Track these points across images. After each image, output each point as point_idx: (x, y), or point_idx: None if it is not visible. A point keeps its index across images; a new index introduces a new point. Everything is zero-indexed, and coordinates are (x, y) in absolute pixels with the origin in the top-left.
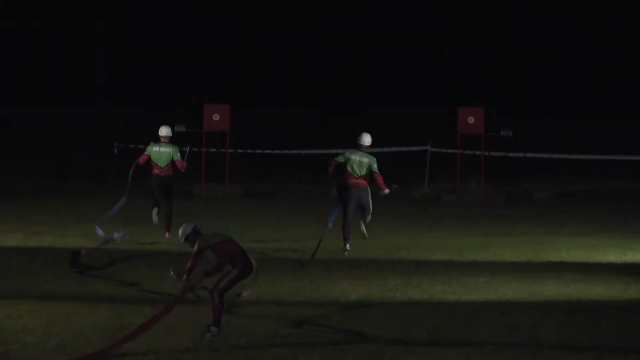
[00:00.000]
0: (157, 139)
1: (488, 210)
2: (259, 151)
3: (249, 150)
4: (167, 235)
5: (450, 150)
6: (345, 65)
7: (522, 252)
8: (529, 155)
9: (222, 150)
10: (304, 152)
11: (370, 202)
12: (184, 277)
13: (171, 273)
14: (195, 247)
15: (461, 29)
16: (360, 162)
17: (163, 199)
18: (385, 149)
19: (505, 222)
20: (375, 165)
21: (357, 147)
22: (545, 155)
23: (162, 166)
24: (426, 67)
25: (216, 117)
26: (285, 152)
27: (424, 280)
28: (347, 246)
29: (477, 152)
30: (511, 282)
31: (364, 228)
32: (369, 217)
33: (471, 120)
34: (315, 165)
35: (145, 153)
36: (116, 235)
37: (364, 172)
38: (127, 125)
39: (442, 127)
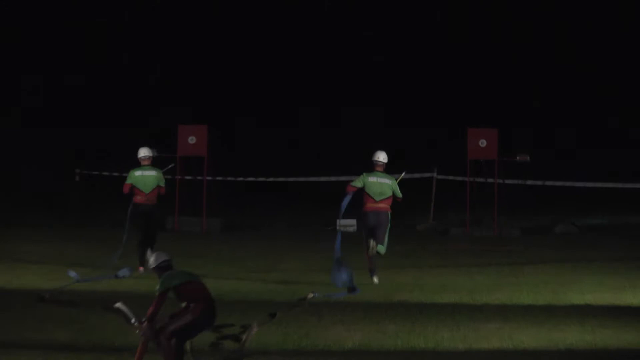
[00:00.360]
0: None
1: (502, 245)
2: (240, 179)
3: (229, 178)
4: (140, 269)
5: (459, 178)
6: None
7: (541, 293)
8: (548, 183)
9: (199, 178)
10: (290, 179)
11: (387, 232)
12: (146, 323)
13: (132, 320)
14: (158, 288)
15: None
16: (381, 184)
17: (146, 230)
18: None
19: (522, 259)
20: (397, 189)
21: (373, 166)
22: (567, 184)
23: (147, 192)
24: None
25: (192, 140)
26: (271, 179)
27: (429, 325)
28: (375, 279)
29: (490, 180)
30: (528, 328)
31: (380, 248)
32: (384, 248)
33: (483, 143)
34: (304, 195)
35: (128, 182)
36: (120, 273)
37: (385, 195)
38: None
39: (448, 148)
